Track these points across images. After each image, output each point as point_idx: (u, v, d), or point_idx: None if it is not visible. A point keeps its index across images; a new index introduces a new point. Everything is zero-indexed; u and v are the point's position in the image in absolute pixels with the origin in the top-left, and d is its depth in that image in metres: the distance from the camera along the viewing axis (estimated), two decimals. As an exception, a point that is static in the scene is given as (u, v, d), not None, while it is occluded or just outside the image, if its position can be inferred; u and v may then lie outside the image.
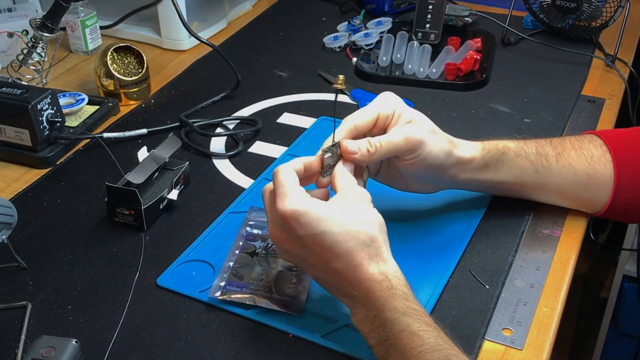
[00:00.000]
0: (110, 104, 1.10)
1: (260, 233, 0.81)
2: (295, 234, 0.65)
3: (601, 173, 0.80)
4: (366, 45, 1.26)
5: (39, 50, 1.09)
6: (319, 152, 0.71)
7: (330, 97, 1.13)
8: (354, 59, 1.24)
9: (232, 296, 0.73)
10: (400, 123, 0.74)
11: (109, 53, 1.10)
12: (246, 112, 1.10)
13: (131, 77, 1.12)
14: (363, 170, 0.75)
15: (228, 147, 1.02)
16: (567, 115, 1.07)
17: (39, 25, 1.08)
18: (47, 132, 0.97)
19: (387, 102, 0.75)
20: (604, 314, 1.73)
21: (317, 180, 0.72)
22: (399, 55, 1.22)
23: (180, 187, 0.90)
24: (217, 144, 1.02)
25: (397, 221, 0.82)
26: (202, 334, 0.70)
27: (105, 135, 1.00)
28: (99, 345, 0.69)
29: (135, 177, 0.84)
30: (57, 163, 0.98)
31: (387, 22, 1.32)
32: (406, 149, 0.74)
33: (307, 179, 0.71)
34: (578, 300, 1.87)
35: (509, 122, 1.06)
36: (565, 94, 1.13)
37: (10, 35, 1.20)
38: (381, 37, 1.26)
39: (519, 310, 0.72)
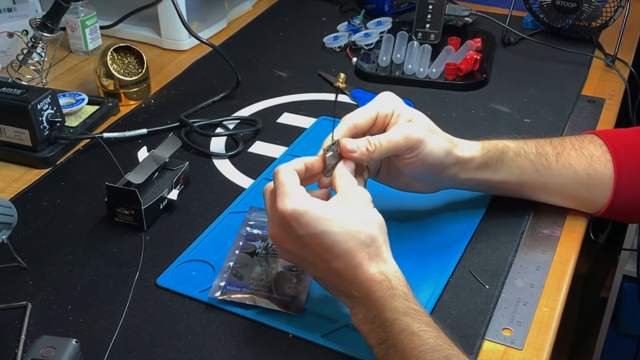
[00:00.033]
0: (110, 104, 1.10)
1: (260, 233, 0.81)
2: (295, 234, 0.65)
3: (601, 173, 0.80)
4: (366, 45, 1.26)
5: (39, 50, 1.09)
6: (320, 152, 0.71)
7: (330, 97, 1.13)
8: (354, 59, 1.23)
9: (232, 296, 0.73)
10: (400, 122, 0.74)
11: (109, 53, 1.10)
12: (246, 112, 1.10)
13: (131, 77, 1.12)
14: (363, 170, 0.75)
15: (228, 147, 1.02)
16: (567, 115, 1.07)
17: (39, 25, 1.07)
18: (47, 132, 0.97)
19: (386, 102, 0.75)
20: (604, 314, 1.73)
21: (320, 180, 0.72)
22: (399, 55, 1.22)
23: (180, 187, 0.90)
24: (217, 144, 1.02)
25: (397, 221, 0.82)
26: (202, 334, 0.70)
27: (105, 135, 1.00)
28: (99, 345, 0.69)
29: (135, 177, 0.84)
30: (57, 163, 0.98)
31: (387, 22, 1.31)
32: (406, 148, 0.73)
33: (308, 179, 0.71)
34: (578, 300, 1.87)
35: (509, 122, 1.06)
36: (565, 94, 1.13)
37: (10, 35, 1.20)
38: (381, 37, 1.25)
39: (519, 310, 0.72)
